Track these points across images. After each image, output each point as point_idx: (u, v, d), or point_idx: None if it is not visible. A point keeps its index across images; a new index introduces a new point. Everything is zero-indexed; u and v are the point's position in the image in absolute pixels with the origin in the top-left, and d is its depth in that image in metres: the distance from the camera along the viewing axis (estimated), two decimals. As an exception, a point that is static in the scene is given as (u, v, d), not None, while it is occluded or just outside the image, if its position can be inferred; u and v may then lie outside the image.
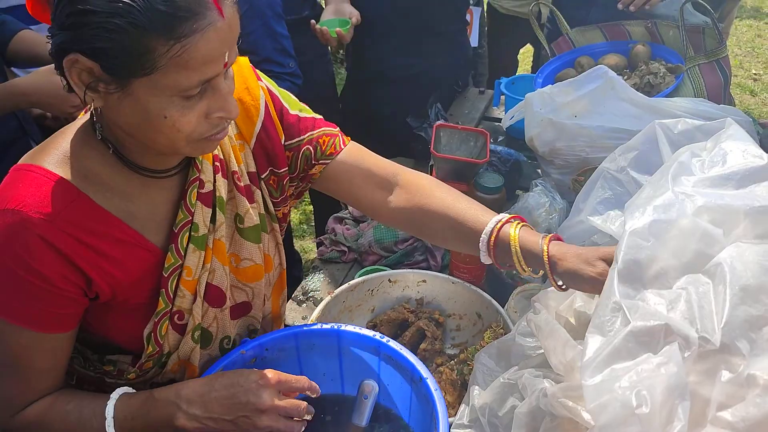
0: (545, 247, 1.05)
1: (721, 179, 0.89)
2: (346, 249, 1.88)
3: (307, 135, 1.23)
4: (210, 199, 1.10)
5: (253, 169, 1.18)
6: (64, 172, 0.97)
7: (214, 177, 1.10)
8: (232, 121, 1.10)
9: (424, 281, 1.61)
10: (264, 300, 1.24)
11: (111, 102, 0.89)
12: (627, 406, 0.68)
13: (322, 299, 1.57)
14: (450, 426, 1.10)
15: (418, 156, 2.27)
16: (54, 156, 0.98)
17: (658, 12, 2.18)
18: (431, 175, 1.94)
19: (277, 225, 1.24)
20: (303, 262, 3.18)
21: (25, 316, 0.98)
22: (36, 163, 0.97)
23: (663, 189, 0.87)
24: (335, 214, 2.03)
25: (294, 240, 3.09)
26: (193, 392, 1.04)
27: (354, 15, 2.20)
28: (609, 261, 0.97)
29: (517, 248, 1.08)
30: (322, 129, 1.25)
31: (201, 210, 1.08)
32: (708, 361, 0.74)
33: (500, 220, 1.12)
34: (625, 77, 2.01)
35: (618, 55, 2.14)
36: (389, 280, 1.61)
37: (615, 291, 0.79)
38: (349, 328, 1.21)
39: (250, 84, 1.17)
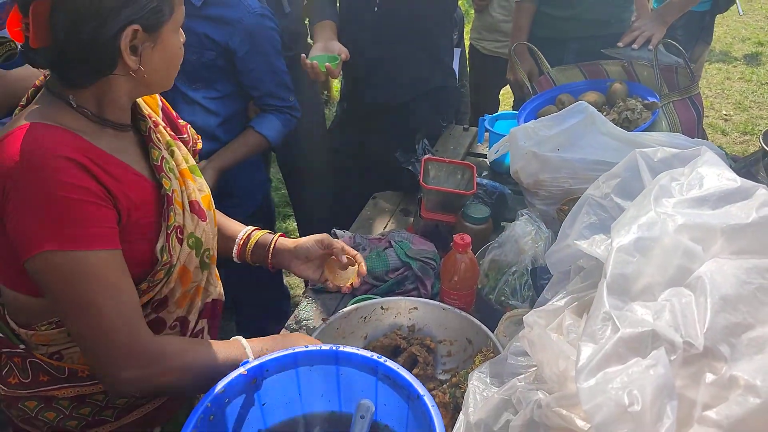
0: (273, 239, 1.56)
1: (699, 200, 0.96)
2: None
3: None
4: (161, 143, 1.34)
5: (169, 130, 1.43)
6: (53, 123, 1.13)
7: (155, 128, 1.35)
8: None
9: (416, 308, 1.66)
10: (212, 230, 1.45)
11: (145, 60, 1.15)
12: (620, 405, 0.73)
13: (314, 328, 1.60)
14: (446, 443, 1.14)
15: (406, 189, 2.34)
16: (35, 117, 1.14)
17: (634, 53, 2.30)
18: (420, 206, 2.00)
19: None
20: (291, 297, 3.20)
21: (94, 237, 1.11)
22: (24, 123, 1.12)
23: (646, 209, 0.94)
24: (326, 245, 2.07)
25: (282, 275, 3.13)
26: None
27: (343, 52, 2.28)
28: (323, 244, 1.56)
29: (251, 245, 1.57)
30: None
31: (162, 150, 1.32)
32: (693, 365, 0.80)
33: (253, 229, 1.60)
34: (605, 113, 2.10)
35: (597, 93, 2.24)
36: (381, 308, 1.65)
37: (605, 302, 0.85)
38: (347, 348, 1.25)
39: None
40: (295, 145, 2.70)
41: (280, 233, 1.61)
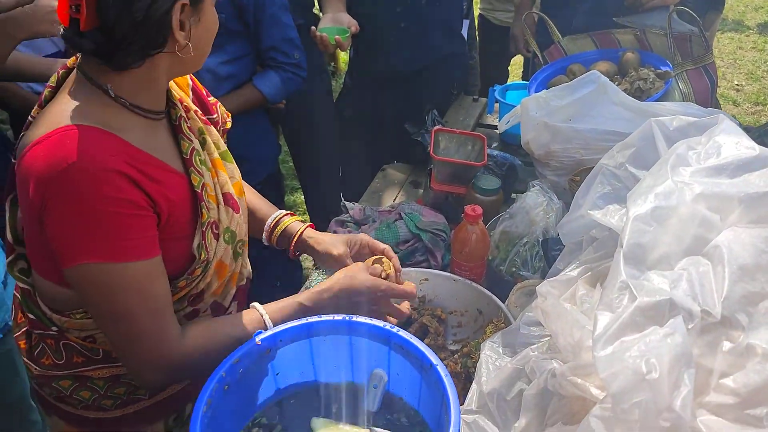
0: (300, 230, 1.56)
1: (717, 169, 0.95)
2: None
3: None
4: (194, 131, 1.32)
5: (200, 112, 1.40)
6: (90, 123, 1.10)
7: (188, 115, 1.32)
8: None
9: (426, 279, 1.66)
10: (246, 217, 1.44)
11: (192, 32, 1.13)
12: (638, 373, 0.73)
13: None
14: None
15: (415, 161, 2.33)
16: (74, 115, 1.10)
17: (647, 21, 2.26)
18: (430, 178, 2.00)
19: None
20: (302, 268, 3.22)
21: (134, 249, 1.11)
22: (65, 124, 1.08)
23: (663, 178, 0.93)
24: (336, 218, 2.07)
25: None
26: (333, 299, 1.33)
27: (352, 24, 2.25)
28: (350, 245, 1.54)
29: (278, 233, 1.57)
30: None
31: (194, 140, 1.29)
32: (710, 333, 0.79)
33: (284, 214, 1.60)
34: (616, 83, 2.08)
35: (608, 63, 2.21)
36: (392, 279, 1.66)
37: (621, 271, 0.85)
38: (360, 318, 1.25)
39: None
40: (301, 116, 2.68)
41: (308, 224, 1.60)
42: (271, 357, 1.23)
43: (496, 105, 2.55)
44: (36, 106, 1.21)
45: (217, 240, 1.30)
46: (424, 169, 2.13)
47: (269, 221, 1.57)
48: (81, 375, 1.32)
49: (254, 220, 1.55)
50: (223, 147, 1.40)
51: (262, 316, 1.27)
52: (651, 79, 2.02)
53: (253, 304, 1.29)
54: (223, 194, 1.32)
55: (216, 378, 1.12)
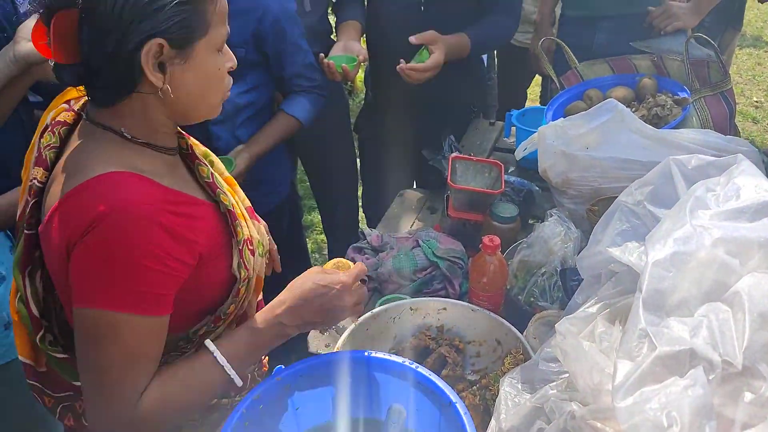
0: None
1: (736, 213, 0.95)
2: (366, 278, 1.93)
3: None
4: (202, 158, 1.31)
5: None
6: (122, 168, 1.09)
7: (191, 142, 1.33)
8: None
9: (445, 309, 1.66)
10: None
11: (175, 78, 1.08)
12: (658, 426, 0.73)
13: (344, 327, 1.62)
14: (478, 449, 1.15)
15: (432, 186, 2.35)
16: (108, 162, 1.09)
17: (664, 46, 2.26)
18: (447, 205, 2.00)
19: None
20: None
21: (143, 303, 1.08)
22: (94, 174, 1.06)
23: (681, 222, 0.93)
24: (354, 245, 2.08)
25: (308, 252, 3.14)
26: (289, 312, 1.23)
27: (362, 54, 2.26)
28: None
29: None
30: None
31: (206, 164, 1.30)
32: (731, 383, 0.79)
33: None
34: (633, 109, 2.08)
35: (625, 88, 2.21)
36: (410, 308, 1.66)
37: (641, 319, 0.85)
38: (379, 354, 1.26)
39: None
40: (317, 136, 2.71)
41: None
42: (291, 392, 1.24)
43: (513, 129, 2.56)
44: (41, 169, 1.17)
45: (254, 255, 1.29)
46: (441, 194, 2.14)
47: None
48: None
49: None
50: (226, 173, 1.43)
51: (213, 354, 1.19)
52: (668, 106, 2.02)
53: (205, 342, 1.21)
54: (246, 208, 1.35)
55: (237, 414, 1.14)
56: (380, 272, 1.91)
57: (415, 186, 2.67)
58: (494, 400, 1.42)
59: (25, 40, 1.54)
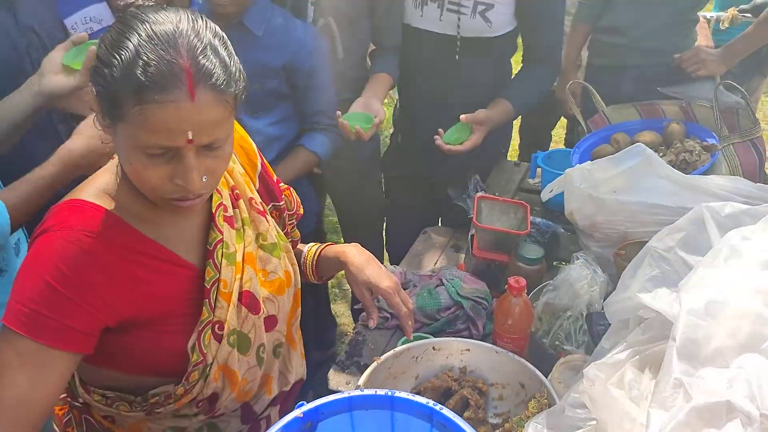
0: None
1: (772, 262, 0.93)
2: (388, 315, 1.92)
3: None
4: (233, 222, 1.26)
5: (260, 200, 1.35)
6: (102, 203, 1.11)
7: (235, 203, 1.28)
8: (239, 163, 1.32)
9: (468, 350, 1.65)
10: (285, 315, 1.36)
11: (114, 139, 1.06)
12: (695, 480, 0.71)
13: (365, 365, 1.61)
14: (503, 496, 1.12)
15: (456, 225, 2.34)
16: (91, 191, 1.12)
17: (692, 92, 2.27)
18: (472, 244, 2.00)
19: (290, 246, 1.42)
20: (338, 325, 3.22)
21: (50, 331, 1.03)
22: (74, 197, 1.11)
23: (716, 271, 0.92)
24: (377, 281, 2.08)
25: (329, 303, 3.15)
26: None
27: (379, 115, 2.27)
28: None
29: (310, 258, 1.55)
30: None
31: (228, 230, 1.23)
32: (769, 439, 0.77)
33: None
34: (661, 154, 2.07)
35: (653, 133, 2.21)
36: (433, 348, 1.65)
37: (675, 368, 0.83)
38: (402, 394, 1.24)
39: (243, 135, 1.38)
40: (349, 171, 2.72)
41: (328, 243, 1.59)
42: (312, 430, 1.22)
43: (538, 170, 2.56)
44: None
45: (219, 342, 1.20)
46: (466, 233, 2.13)
47: (301, 258, 1.55)
48: None
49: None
50: (272, 239, 1.33)
51: None
52: (697, 152, 2.01)
53: None
54: (241, 292, 1.23)
55: (258, 451, 1.13)
56: (403, 310, 1.90)
57: (439, 224, 2.67)
58: (517, 446, 1.40)
59: (52, 74, 1.57)
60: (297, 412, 1.20)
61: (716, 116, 2.11)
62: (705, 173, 1.97)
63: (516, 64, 2.58)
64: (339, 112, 2.21)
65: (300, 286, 1.44)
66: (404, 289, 2.00)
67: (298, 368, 1.43)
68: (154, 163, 1.02)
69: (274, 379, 1.37)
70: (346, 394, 1.25)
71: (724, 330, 0.87)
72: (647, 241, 1.31)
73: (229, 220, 1.25)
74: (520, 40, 2.49)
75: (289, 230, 1.48)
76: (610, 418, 0.95)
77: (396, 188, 2.80)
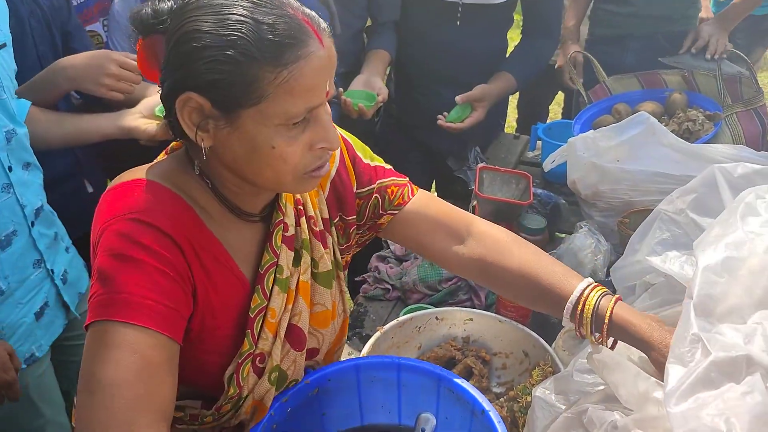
0: (608, 311, 1.05)
1: (788, 220, 0.92)
2: (389, 287, 1.91)
3: (377, 183, 1.24)
4: (292, 243, 1.12)
5: (326, 215, 1.20)
6: (172, 187, 1.00)
7: (298, 220, 1.14)
8: None
9: (471, 319, 1.63)
10: (327, 347, 1.24)
11: (220, 139, 0.94)
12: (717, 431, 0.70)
13: (367, 336, 1.59)
14: (511, 461, 1.11)
15: (456, 197, 2.32)
16: (158, 173, 1.01)
17: (695, 62, 2.25)
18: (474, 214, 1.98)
19: (342, 273, 1.25)
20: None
21: (152, 312, 0.91)
22: (141, 177, 1.00)
23: (733, 228, 0.91)
24: (378, 253, 2.07)
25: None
26: None
27: (382, 93, 2.24)
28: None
29: (588, 316, 1.07)
30: (392, 179, 1.27)
31: (285, 253, 1.10)
32: (788, 392, 0.76)
33: (587, 286, 1.10)
34: (664, 124, 2.05)
35: (654, 103, 2.19)
36: (436, 318, 1.63)
37: (693, 324, 0.82)
38: (409, 360, 1.23)
39: None
40: None
41: (617, 296, 1.10)
42: (319, 396, 1.21)
43: (539, 143, 2.54)
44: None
45: (259, 377, 1.09)
46: (466, 205, 2.11)
47: (571, 300, 1.10)
48: None
49: (550, 294, 1.14)
50: (327, 267, 1.18)
51: None
52: (700, 121, 2.00)
53: None
54: (289, 326, 1.11)
55: (266, 418, 1.11)
56: (404, 281, 1.89)
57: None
58: (522, 413, 1.39)
59: (139, 114, 1.70)
60: (304, 379, 1.19)
61: (719, 85, 2.09)
62: (708, 142, 1.96)
63: (511, 40, 2.57)
64: (341, 89, 2.18)
65: (348, 314, 1.31)
66: (405, 261, 1.99)
67: None
68: (295, 135, 0.94)
69: None
70: (352, 360, 1.24)
71: (741, 286, 0.86)
72: (651, 209, 1.30)
73: (288, 241, 1.12)
74: (516, 15, 2.47)
75: (354, 243, 1.29)
76: (622, 378, 0.94)
77: (392, 161, 2.77)
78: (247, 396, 1.10)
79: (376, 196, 1.24)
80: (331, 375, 1.21)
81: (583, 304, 1.08)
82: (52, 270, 1.63)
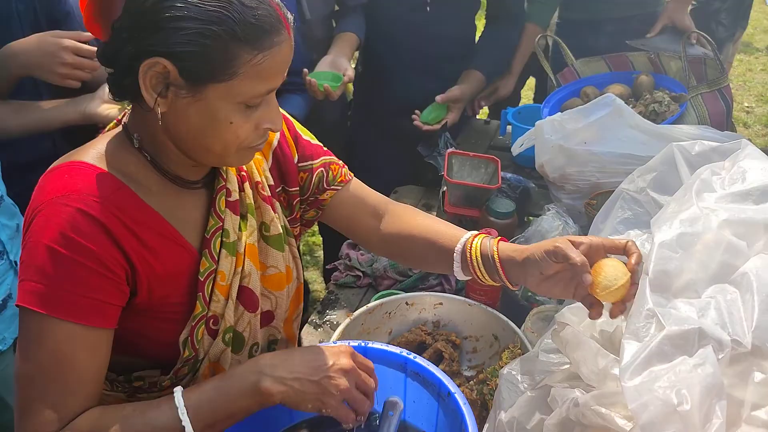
0: (495, 247, 1.16)
1: (742, 195, 0.93)
2: (361, 274, 1.90)
3: (320, 159, 1.31)
4: (237, 207, 1.16)
5: (272, 182, 1.25)
6: (105, 167, 1.02)
7: (242, 186, 1.18)
8: None
9: (441, 304, 1.64)
10: (284, 312, 1.28)
11: (176, 107, 0.97)
12: (668, 404, 0.71)
13: (338, 323, 1.59)
14: (477, 442, 1.12)
15: (427, 183, 2.32)
16: (93, 154, 1.03)
17: (661, 44, 2.26)
18: (443, 201, 1.99)
19: (293, 240, 1.29)
20: (310, 291, 3.20)
21: (71, 306, 0.96)
22: (76, 159, 1.02)
23: (688, 204, 0.92)
24: (348, 240, 2.06)
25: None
26: (273, 358, 1.05)
27: (348, 73, 2.22)
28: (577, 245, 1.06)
29: (478, 257, 1.17)
30: (332, 158, 1.35)
31: (230, 217, 1.14)
32: (740, 364, 0.77)
33: (470, 236, 1.22)
34: (631, 106, 2.07)
35: (622, 85, 2.21)
36: (406, 303, 1.64)
37: (648, 299, 0.83)
38: (376, 344, 1.23)
39: None
40: (315, 135, 2.68)
41: (500, 237, 1.21)
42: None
43: (509, 127, 2.55)
44: None
45: (214, 338, 1.13)
46: (436, 191, 2.12)
47: (457, 249, 1.21)
48: None
49: (439, 250, 1.25)
50: (277, 230, 1.22)
51: (175, 399, 1.00)
52: (666, 102, 2.02)
53: (175, 389, 1.01)
54: (240, 288, 1.15)
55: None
56: (375, 268, 1.89)
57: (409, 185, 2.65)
58: (492, 395, 1.40)
59: (101, 100, 1.68)
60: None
61: (684, 67, 2.11)
62: (674, 123, 1.97)
63: (479, 23, 2.57)
64: (306, 70, 2.16)
65: (303, 281, 1.34)
66: (376, 247, 1.99)
67: None
68: (249, 114, 0.99)
69: None
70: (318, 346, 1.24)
71: (696, 261, 0.87)
72: (618, 190, 1.31)
73: (233, 206, 1.15)
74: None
75: (298, 216, 1.33)
76: (583, 356, 0.95)
77: (363, 149, 2.77)
78: (203, 359, 1.13)
79: (321, 170, 1.30)
80: (298, 361, 1.21)
81: (470, 250, 1.18)
82: (15, 262, 1.60)
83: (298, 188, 1.28)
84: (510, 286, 1.17)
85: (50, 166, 1.04)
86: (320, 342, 1.71)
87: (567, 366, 1.14)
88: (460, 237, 1.22)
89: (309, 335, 1.75)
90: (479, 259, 1.17)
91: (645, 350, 0.77)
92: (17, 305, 0.97)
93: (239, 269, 1.14)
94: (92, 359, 1.00)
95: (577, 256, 1.01)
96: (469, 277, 1.22)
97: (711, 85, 2.07)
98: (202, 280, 1.09)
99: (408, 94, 2.42)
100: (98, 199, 0.97)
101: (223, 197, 1.14)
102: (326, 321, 1.79)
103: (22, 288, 0.97)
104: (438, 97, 2.33)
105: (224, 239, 1.12)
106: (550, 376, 1.13)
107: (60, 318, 0.95)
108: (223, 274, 1.11)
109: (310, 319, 1.80)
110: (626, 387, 0.75)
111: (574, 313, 1.16)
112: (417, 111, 2.36)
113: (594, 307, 1.03)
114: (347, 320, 1.55)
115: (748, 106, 5.53)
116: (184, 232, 1.09)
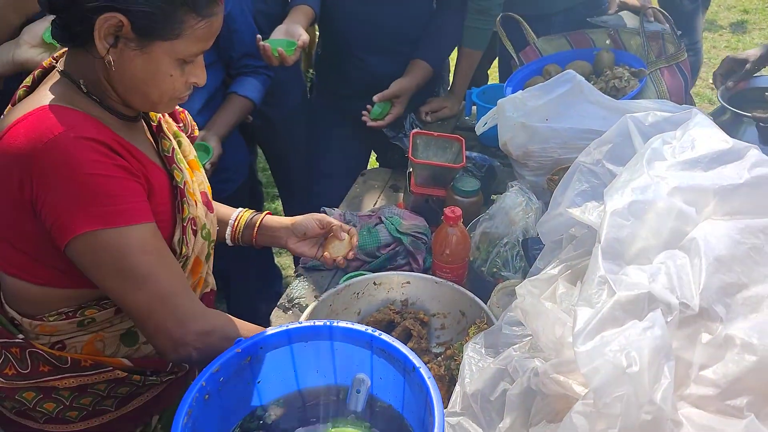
0: (259, 220, 1.59)
1: (692, 163, 0.95)
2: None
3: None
4: (171, 134, 1.37)
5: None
6: (75, 107, 1.15)
7: (164, 119, 1.38)
8: None
9: (408, 283, 1.66)
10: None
11: (124, 57, 1.12)
12: (618, 366, 0.73)
13: (307, 305, 1.60)
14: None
15: (394, 165, 2.33)
16: (53, 99, 1.15)
17: (620, 21, 2.28)
18: (409, 181, 1.99)
19: None
20: (283, 277, 3.20)
21: (134, 212, 1.13)
22: (40, 105, 1.12)
23: (639, 173, 0.93)
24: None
25: (273, 255, 3.12)
26: None
27: (302, 38, 2.18)
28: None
29: (241, 227, 1.58)
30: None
31: (172, 140, 1.35)
32: (689, 326, 0.80)
33: (241, 211, 1.61)
34: (592, 82, 2.09)
35: (584, 62, 2.22)
36: (374, 283, 1.65)
37: (600, 266, 0.85)
38: (342, 323, 1.24)
39: None
40: (276, 121, 2.67)
41: (267, 212, 1.63)
42: (252, 365, 1.21)
43: (474, 107, 2.55)
44: (9, 105, 1.23)
45: (195, 236, 1.32)
46: (404, 173, 2.12)
47: (233, 217, 1.59)
48: (46, 386, 1.29)
49: (219, 223, 1.56)
50: (194, 154, 1.45)
51: None
52: (626, 78, 2.04)
53: None
54: (201, 193, 1.38)
55: (196, 388, 1.11)
56: (343, 250, 1.89)
57: (377, 167, 2.65)
58: (459, 370, 1.42)
59: (28, 45, 1.60)
60: (235, 348, 1.19)
61: (643, 42, 2.13)
62: (634, 98, 2.00)
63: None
64: (259, 36, 2.12)
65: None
66: (344, 229, 1.99)
67: (211, 275, 1.50)
68: (183, 68, 1.17)
69: (203, 280, 1.44)
70: (283, 327, 1.24)
71: (648, 229, 0.89)
72: (579, 165, 1.32)
73: (169, 132, 1.36)
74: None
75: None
76: (542, 326, 0.97)
77: (327, 133, 2.75)
78: (191, 256, 1.32)
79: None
80: (263, 343, 1.21)
81: (238, 222, 1.59)
82: None
83: (182, 123, 1.50)
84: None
85: (11, 119, 1.13)
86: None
87: (530, 338, 1.16)
88: (232, 213, 1.61)
89: (278, 318, 1.75)
90: (241, 229, 1.58)
91: (597, 316, 0.79)
92: (86, 233, 1.09)
93: (193, 178, 1.36)
94: (167, 249, 1.21)
95: (335, 222, 1.59)
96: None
97: (669, 60, 2.10)
98: (181, 186, 1.28)
99: (367, 75, 2.41)
100: (94, 128, 1.12)
101: (164, 123, 1.35)
102: (295, 304, 1.79)
103: (79, 220, 1.08)
104: (375, 97, 2.31)
105: (177, 156, 1.33)
106: (513, 348, 1.15)
107: (136, 223, 1.13)
108: (189, 183, 1.31)
109: (279, 303, 1.80)
110: (578, 352, 0.76)
111: (535, 285, 1.18)
112: (369, 106, 2.35)
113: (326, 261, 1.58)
114: (315, 302, 1.56)
115: (712, 83, 5.60)
116: (148, 155, 1.25)
